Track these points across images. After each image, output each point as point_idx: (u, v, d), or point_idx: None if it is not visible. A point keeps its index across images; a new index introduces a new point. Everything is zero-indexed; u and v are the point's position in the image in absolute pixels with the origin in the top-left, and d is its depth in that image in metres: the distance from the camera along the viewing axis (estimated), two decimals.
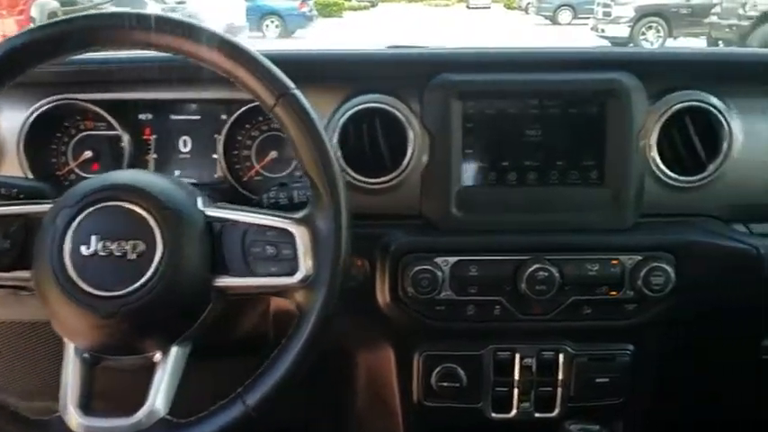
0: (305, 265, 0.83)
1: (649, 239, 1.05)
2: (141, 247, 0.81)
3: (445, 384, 1.12)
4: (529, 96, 1.06)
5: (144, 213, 0.82)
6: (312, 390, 1.34)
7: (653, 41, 11.35)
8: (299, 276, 0.83)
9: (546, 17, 18.86)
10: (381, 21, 20.03)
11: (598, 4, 12.52)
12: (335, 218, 0.83)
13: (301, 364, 0.83)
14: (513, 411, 1.14)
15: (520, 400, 1.13)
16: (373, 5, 29.95)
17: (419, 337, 1.12)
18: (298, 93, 0.84)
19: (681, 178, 1.07)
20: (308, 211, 0.85)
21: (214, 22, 10.88)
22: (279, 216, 0.85)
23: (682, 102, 1.05)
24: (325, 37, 14.03)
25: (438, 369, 1.12)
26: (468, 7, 29.44)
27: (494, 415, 1.14)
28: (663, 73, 1.09)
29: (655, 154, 1.06)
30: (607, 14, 12.13)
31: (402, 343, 1.13)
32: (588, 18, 13.73)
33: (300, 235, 0.84)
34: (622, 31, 11.56)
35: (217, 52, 0.82)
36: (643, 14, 11.70)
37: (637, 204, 1.07)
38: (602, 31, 11.90)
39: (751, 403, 1.39)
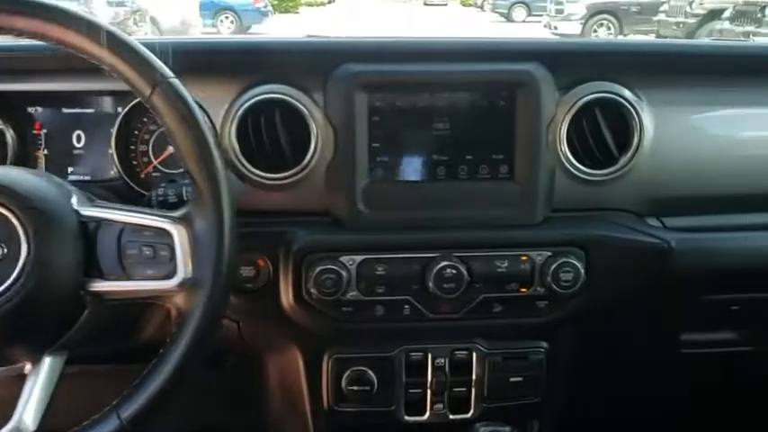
0: (184, 267, 0.78)
1: (559, 234, 1.03)
2: (4, 249, 0.75)
3: (356, 388, 1.07)
4: (437, 88, 1.03)
5: (7, 213, 0.76)
6: (230, 393, 1.29)
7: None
8: (177, 279, 0.78)
9: (501, 14, 19.01)
10: (337, 17, 19.92)
11: (551, 1, 12.66)
12: (216, 216, 0.78)
13: (182, 372, 0.78)
14: (427, 414, 1.10)
15: (433, 402, 1.10)
16: (330, 2, 29.79)
17: (327, 340, 1.08)
18: (175, 81, 0.78)
19: (592, 172, 1.04)
20: (187, 208, 0.80)
21: (167, 17, 10.70)
22: (155, 214, 0.80)
23: (591, 93, 1.03)
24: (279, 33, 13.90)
25: (348, 372, 1.07)
26: (425, 4, 29.51)
27: (407, 418, 1.10)
28: (573, 64, 1.06)
29: (565, 147, 1.03)
30: (559, 12, 12.27)
31: (309, 346, 1.09)
32: (542, 15, 13.88)
33: (179, 234, 0.78)
34: (574, 28, 11.71)
35: (87, 39, 0.77)
36: (595, 12, 11.87)
37: (547, 199, 1.04)
38: (555, 28, 12.03)
39: (671, 399, 1.39)
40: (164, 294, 0.79)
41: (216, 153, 0.79)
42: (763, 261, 1.10)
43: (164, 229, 0.78)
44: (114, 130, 1.05)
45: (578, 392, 1.18)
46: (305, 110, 1.00)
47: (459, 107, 1.03)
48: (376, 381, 1.07)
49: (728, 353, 1.27)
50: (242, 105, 1.00)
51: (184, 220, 0.79)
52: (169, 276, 0.78)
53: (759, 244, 1.10)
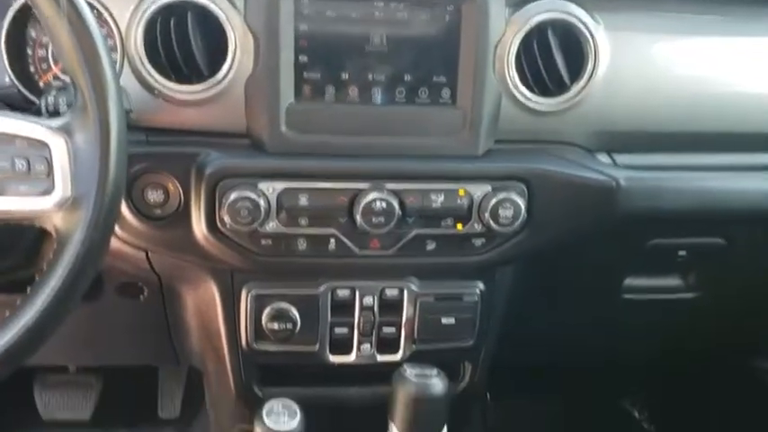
0: (62, 184, 0.68)
1: (501, 168, 0.94)
2: None
3: (276, 326, 0.99)
4: None
5: None
6: (151, 328, 1.20)
7: None
8: (55, 198, 0.68)
9: None
10: None
11: None
12: (100, 126, 0.67)
13: (59, 304, 0.69)
14: (353, 354, 1.03)
15: (360, 342, 1.03)
16: None
17: (246, 275, 0.99)
18: None
19: (540, 101, 0.95)
20: (67, 118, 0.68)
21: None
22: (29, 121, 0.68)
23: (544, 12, 0.93)
24: None
25: (268, 309, 0.99)
26: None
27: (332, 358, 1.03)
28: None
29: (513, 72, 0.94)
30: None
31: (226, 280, 1.00)
32: None
33: (57, 146, 0.67)
34: None
35: None
36: None
37: (491, 128, 0.95)
38: None
39: (608, 345, 1.35)
40: (40, 215, 0.69)
41: (103, 53, 0.68)
42: (714, 203, 1.03)
43: (39, 140, 0.67)
44: (3, 32, 0.91)
45: (512, 336, 1.12)
46: (221, 14, 0.88)
47: (399, 21, 0.92)
48: (299, 319, 0.99)
49: (671, 300, 1.23)
50: (150, 6, 0.87)
51: (64, 131, 0.68)
52: (46, 194, 0.68)
53: (711, 185, 1.03)
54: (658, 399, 1.83)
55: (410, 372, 0.93)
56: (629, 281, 1.19)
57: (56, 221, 0.68)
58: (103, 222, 0.68)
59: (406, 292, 1.01)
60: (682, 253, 1.14)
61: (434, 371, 0.94)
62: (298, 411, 0.94)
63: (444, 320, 1.03)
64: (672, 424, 1.79)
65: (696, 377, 1.64)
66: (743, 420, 1.59)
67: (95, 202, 0.67)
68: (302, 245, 0.94)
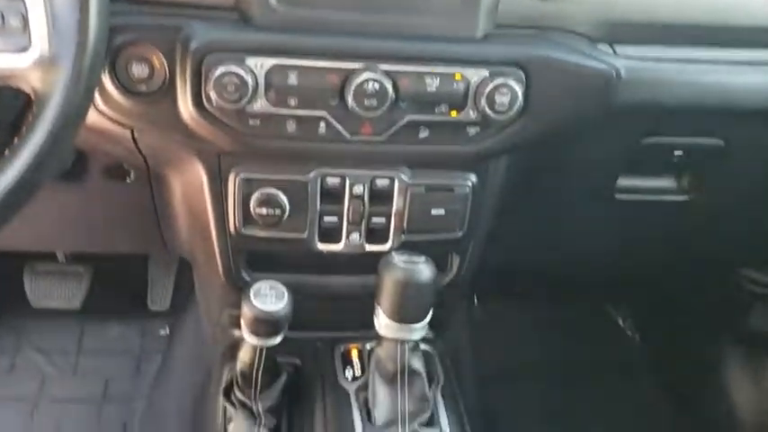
0: (39, 41, 0.64)
1: (500, 52, 0.90)
2: None
3: (264, 211, 0.98)
4: None
5: None
6: (139, 214, 1.19)
7: None
8: (32, 55, 0.64)
9: None
10: None
11: None
12: None
13: (40, 166, 0.67)
14: (342, 243, 1.03)
15: (349, 231, 1.02)
16: None
17: (234, 157, 0.97)
18: None
19: None
20: None
21: None
22: None
23: None
24: None
25: (256, 194, 0.97)
26: None
27: (320, 246, 1.03)
28: None
29: None
30: None
31: (214, 163, 0.97)
32: None
33: (32, 0, 0.64)
34: None
35: None
36: None
37: (490, 11, 0.90)
38: None
39: (598, 250, 1.35)
40: (16, 74, 0.66)
41: None
42: (714, 98, 1.01)
43: None
44: None
45: (502, 229, 1.11)
46: None
47: None
48: (288, 205, 0.98)
49: (664, 202, 1.22)
50: None
51: None
52: (22, 51, 0.64)
53: (712, 79, 1.00)
54: (644, 307, 1.86)
55: (398, 258, 0.93)
56: (623, 181, 1.18)
57: (33, 82, 0.65)
58: (83, 85, 0.66)
59: (396, 181, 0.99)
60: (678, 153, 1.12)
61: (422, 258, 0.94)
62: (285, 293, 0.94)
63: (434, 212, 1.01)
64: (656, 332, 1.83)
65: (682, 286, 1.66)
66: (725, 330, 1.62)
67: (74, 63, 0.64)
68: (291, 127, 0.91)
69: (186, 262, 1.41)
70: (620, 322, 1.92)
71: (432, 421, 0.96)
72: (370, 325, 0.98)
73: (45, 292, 1.63)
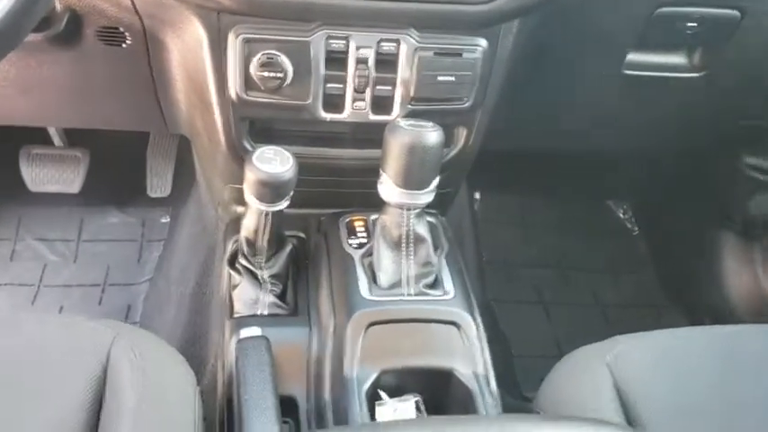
0: None
1: None
2: None
3: (266, 74, 0.95)
4: None
5: None
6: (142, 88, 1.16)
7: None
8: None
9: None
10: None
11: None
12: None
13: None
14: (347, 111, 1.00)
15: (354, 99, 0.99)
16: None
17: (234, 15, 0.93)
18: None
19: None
20: None
21: None
22: None
23: None
24: None
25: (258, 56, 0.94)
26: None
27: (324, 114, 1.00)
28: None
29: None
30: None
31: (213, 22, 0.93)
32: None
33: None
34: None
35: None
36: None
37: None
38: None
39: (603, 131, 1.33)
40: None
41: None
42: None
43: None
44: None
45: (511, 101, 1.09)
46: None
47: None
48: (290, 68, 0.95)
49: (673, 79, 1.19)
50: None
51: None
52: None
53: None
54: (644, 200, 1.86)
55: (405, 123, 0.91)
56: (633, 56, 1.15)
57: None
58: None
59: (404, 44, 0.96)
60: (691, 24, 1.08)
61: (430, 123, 0.92)
62: (290, 157, 0.93)
63: (442, 78, 0.98)
64: (655, 224, 1.84)
65: (685, 171, 1.65)
66: (724, 218, 1.63)
67: None
68: None
69: (185, 147, 1.39)
70: (621, 215, 1.93)
71: (436, 284, 0.96)
72: (375, 203, 0.97)
73: (43, 176, 1.61)
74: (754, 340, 0.99)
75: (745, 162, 1.52)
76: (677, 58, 1.17)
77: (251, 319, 0.99)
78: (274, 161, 0.93)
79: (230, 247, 1.09)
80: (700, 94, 1.22)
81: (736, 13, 1.07)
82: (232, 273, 1.04)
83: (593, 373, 0.88)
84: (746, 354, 0.96)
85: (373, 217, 1.06)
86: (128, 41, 1.03)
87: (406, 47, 0.96)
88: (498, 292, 1.58)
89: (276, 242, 1.03)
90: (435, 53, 0.97)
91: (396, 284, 0.94)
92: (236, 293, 1.03)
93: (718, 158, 1.55)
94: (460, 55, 0.98)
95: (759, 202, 1.53)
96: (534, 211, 1.88)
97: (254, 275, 1.02)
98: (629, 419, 0.87)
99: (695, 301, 1.66)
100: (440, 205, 1.13)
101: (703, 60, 1.16)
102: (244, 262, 1.03)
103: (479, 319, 0.96)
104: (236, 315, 1.01)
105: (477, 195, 1.84)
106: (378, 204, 0.97)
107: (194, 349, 0.87)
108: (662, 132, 1.37)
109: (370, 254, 0.99)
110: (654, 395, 0.88)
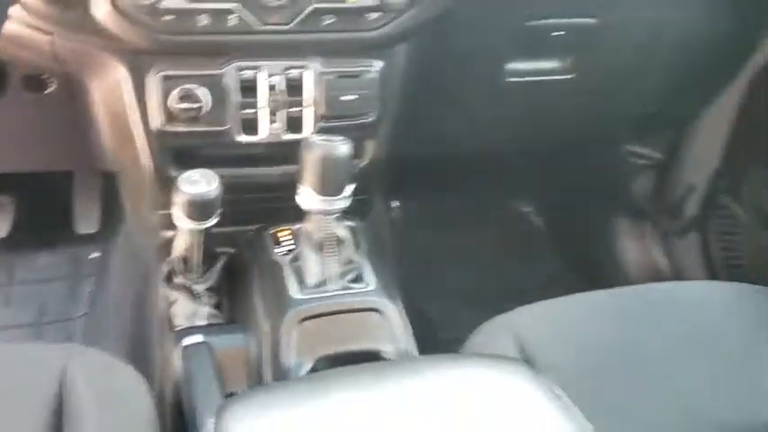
0: None
1: None
2: None
3: (185, 106, 1.04)
4: None
5: None
6: (62, 129, 1.22)
7: None
8: None
9: None
10: None
11: None
12: None
13: None
14: (262, 133, 1.10)
15: (268, 122, 1.10)
16: None
17: (152, 56, 1.02)
18: None
19: None
20: None
21: None
22: None
23: None
24: None
25: (176, 90, 1.04)
26: None
27: (241, 137, 1.10)
28: None
29: None
30: None
31: (132, 62, 1.03)
32: None
33: None
34: None
35: None
36: None
37: None
38: None
39: (497, 134, 1.49)
40: None
41: None
42: None
43: None
44: None
45: (410, 113, 1.22)
46: None
47: None
48: (207, 98, 1.05)
49: (550, 81, 1.35)
50: None
51: None
52: None
53: None
54: (544, 192, 2.03)
55: (317, 139, 1.03)
56: (512, 65, 1.30)
57: None
58: None
59: (309, 70, 1.07)
60: (557, 33, 1.25)
61: (340, 138, 1.04)
62: (215, 176, 1.02)
63: (346, 97, 1.10)
64: (556, 215, 2.01)
65: (574, 164, 1.82)
66: (614, 202, 1.81)
67: None
68: (203, 21, 0.97)
69: (110, 182, 1.45)
70: (527, 210, 2.09)
71: (358, 278, 1.07)
72: (297, 215, 1.07)
73: None
74: (646, 297, 1.11)
75: (625, 150, 1.71)
76: (551, 64, 1.33)
77: (192, 330, 1.07)
78: (200, 182, 1.02)
79: (165, 268, 1.16)
80: (574, 93, 1.39)
81: (592, 20, 1.24)
82: (169, 291, 1.12)
83: (500, 341, 1.00)
84: (640, 311, 1.08)
85: (297, 226, 1.16)
86: (51, 86, 1.10)
87: (312, 72, 1.08)
88: (421, 288, 1.70)
89: (208, 258, 1.12)
90: (338, 76, 1.09)
91: (322, 283, 1.04)
92: (174, 309, 1.11)
93: (602, 149, 1.73)
94: (360, 76, 1.10)
95: (640, 183, 1.72)
96: (451, 214, 2.01)
97: (190, 290, 1.11)
98: None
99: (599, 281, 1.82)
100: (358, 211, 1.24)
101: (573, 63, 1.33)
102: (179, 279, 1.11)
103: (401, 305, 1.07)
104: (176, 328, 1.09)
105: (396, 204, 1.96)
106: (300, 215, 1.08)
107: (140, 367, 0.94)
108: (548, 131, 1.53)
109: (296, 259, 1.09)
110: (557, 356, 0.99)
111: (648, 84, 1.43)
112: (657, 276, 1.68)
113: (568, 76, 1.34)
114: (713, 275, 1.55)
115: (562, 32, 1.25)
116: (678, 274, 1.63)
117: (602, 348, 1.02)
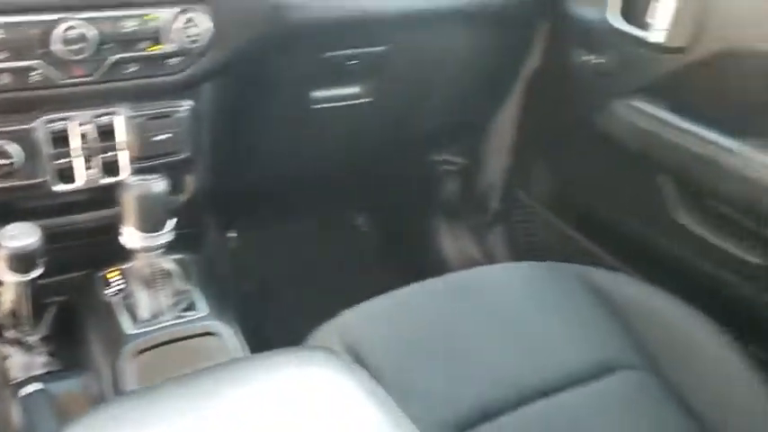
0: None
1: None
2: None
3: None
4: None
5: None
6: None
7: None
8: None
9: None
10: None
11: None
12: None
13: None
14: (79, 181, 1.14)
15: (84, 169, 1.13)
16: None
17: None
18: None
19: None
20: None
21: None
22: None
23: None
24: None
25: None
26: None
27: (59, 187, 1.13)
28: None
29: None
30: None
31: None
32: None
33: None
34: None
35: None
36: None
37: None
38: None
39: (312, 154, 1.60)
40: None
41: None
42: (366, 12, 1.28)
43: None
44: None
45: (227, 144, 1.30)
46: None
47: None
48: (19, 153, 1.07)
49: (355, 106, 1.49)
50: None
51: None
52: None
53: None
54: (370, 203, 2.17)
55: (134, 180, 1.08)
56: (318, 93, 1.42)
57: None
58: None
59: (120, 116, 1.12)
60: (352, 62, 1.38)
61: (155, 176, 1.10)
62: (34, 228, 1.05)
63: (158, 138, 1.16)
64: (383, 222, 2.16)
65: (391, 174, 1.98)
66: (430, 204, 1.98)
67: None
68: (5, 79, 1.00)
69: None
70: (359, 224, 2.22)
71: (191, 306, 1.14)
72: (124, 256, 1.12)
73: None
74: (457, 284, 1.23)
75: (433, 159, 1.89)
76: (351, 89, 1.46)
77: (28, 380, 1.08)
78: (21, 236, 1.04)
79: None
80: (376, 114, 1.53)
81: (381, 48, 1.40)
82: (1, 346, 1.13)
83: (327, 344, 1.10)
84: (453, 296, 1.18)
85: (125, 266, 1.20)
86: None
87: (123, 117, 1.12)
88: (261, 310, 1.77)
89: (39, 308, 1.14)
90: (148, 118, 1.15)
91: (155, 316, 1.10)
92: (8, 363, 1.11)
93: (413, 160, 1.90)
94: (171, 116, 1.17)
95: (450, 186, 1.91)
96: (293, 236, 2.09)
97: (23, 343, 1.12)
98: None
99: (426, 278, 1.99)
100: (189, 244, 1.30)
101: (370, 88, 1.47)
102: (10, 333, 1.12)
103: (237, 326, 1.15)
104: (13, 381, 1.10)
105: (233, 234, 2.01)
106: (127, 255, 1.13)
107: None
108: (360, 148, 1.67)
109: (127, 297, 1.13)
110: (380, 349, 1.07)
111: (441, 99, 1.61)
112: (474, 266, 1.87)
113: (368, 100, 1.48)
114: (518, 258, 1.75)
115: (356, 61, 1.39)
116: (490, 262, 1.83)
117: (421, 336, 1.11)
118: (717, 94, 1.23)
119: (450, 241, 1.92)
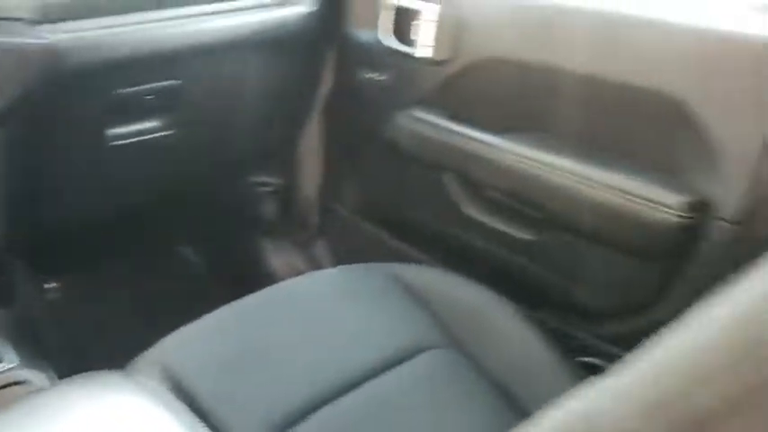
0: None
1: None
2: None
3: None
4: None
5: None
6: None
7: None
8: None
9: None
10: None
11: None
12: None
13: None
14: None
15: None
16: None
17: None
18: None
19: None
20: None
21: None
22: None
23: None
24: None
25: None
26: None
27: None
28: None
29: None
30: None
31: None
32: None
33: None
34: None
35: None
36: None
37: None
38: None
39: (123, 191, 1.60)
40: None
41: None
42: (149, 49, 1.32)
43: None
44: None
45: (23, 192, 1.28)
46: None
47: None
48: None
49: (155, 139, 1.51)
50: None
51: None
52: None
53: (143, 35, 1.31)
54: (195, 232, 2.18)
55: None
56: (114, 130, 1.43)
57: None
58: None
59: None
60: (148, 97, 1.41)
61: None
62: None
63: None
64: (210, 249, 2.18)
65: (209, 200, 2.00)
66: (254, 224, 2.02)
67: None
68: None
69: None
70: (189, 255, 2.22)
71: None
72: None
73: None
74: (277, 294, 1.26)
75: (249, 182, 1.95)
76: (151, 123, 1.48)
77: None
78: None
79: None
80: (182, 145, 1.57)
81: (176, 82, 1.44)
82: None
83: (144, 373, 1.11)
84: (273, 307, 1.22)
85: None
86: None
87: None
88: (89, 356, 1.72)
89: None
90: None
91: None
92: None
93: (231, 185, 1.94)
94: None
95: (271, 206, 1.98)
96: (122, 278, 2.04)
97: None
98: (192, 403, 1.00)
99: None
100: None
101: (170, 120, 1.51)
102: None
103: (52, 374, 1.14)
104: None
105: (51, 285, 1.94)
106: None
107: None
108: (172, 179, 1.69)
109: None
110: (200, 369, 1.07)
111: (244, 126, 1.68)
112: None
113: (170, 132, 1.51)
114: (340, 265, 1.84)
115: (152, 96, 1.42)
116: None
117: (237, 351, 1.13)
118: (478, 98, 1.40)
119: (278, 259, 1.98)
